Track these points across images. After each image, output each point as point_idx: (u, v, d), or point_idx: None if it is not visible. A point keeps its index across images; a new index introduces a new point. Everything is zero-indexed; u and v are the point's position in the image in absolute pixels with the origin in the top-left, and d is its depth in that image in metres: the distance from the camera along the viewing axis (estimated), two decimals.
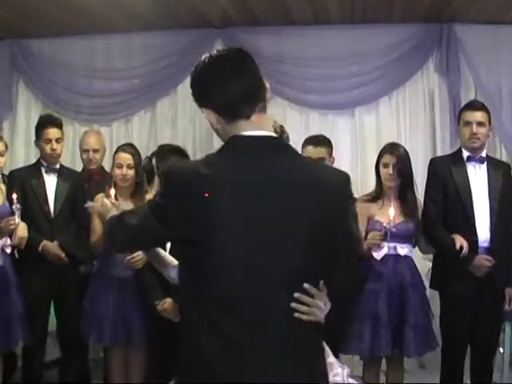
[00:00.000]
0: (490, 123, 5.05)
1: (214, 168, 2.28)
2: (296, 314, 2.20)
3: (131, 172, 5.16)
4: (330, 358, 2.82)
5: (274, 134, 2.40)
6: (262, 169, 2.29)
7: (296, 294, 2.21)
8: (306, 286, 2.23)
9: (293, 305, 2.20)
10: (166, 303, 4.70)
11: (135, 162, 5.20)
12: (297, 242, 2.24)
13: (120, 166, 5.16)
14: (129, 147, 5.37)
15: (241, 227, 2.23)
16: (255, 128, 2.35)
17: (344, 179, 2.39)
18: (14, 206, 4.90)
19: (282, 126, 2.83)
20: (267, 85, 2.44)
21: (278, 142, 2.45)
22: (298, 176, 2.31)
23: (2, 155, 5.21)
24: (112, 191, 4.82)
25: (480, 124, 4.94)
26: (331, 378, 2.69)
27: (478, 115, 4.96)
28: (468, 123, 4.96)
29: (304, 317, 2.21)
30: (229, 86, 2.34)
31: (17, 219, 4.90)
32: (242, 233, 2.22)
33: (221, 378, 2.18)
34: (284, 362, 2.21)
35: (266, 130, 2.37)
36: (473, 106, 5.13)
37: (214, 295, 2.23)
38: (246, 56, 2.45)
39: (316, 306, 2.22)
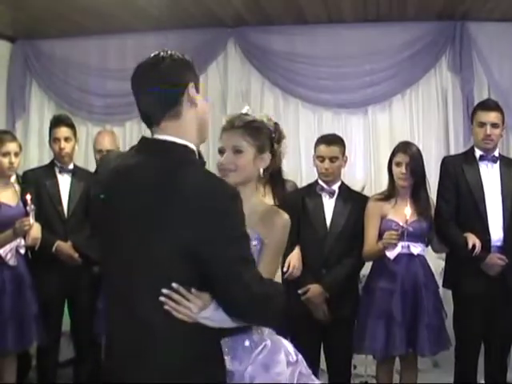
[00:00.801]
0: (503, 123, 5.02)
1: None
2: (165, 307, 2.25)
3: None
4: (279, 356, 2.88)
5: (175, 140, 2.40)
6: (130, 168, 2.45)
7: (165, 290, 2.25)
8: (174, 285, 2.25)
9: (161, 298, 2.25)
10: None
11: None
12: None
13: None
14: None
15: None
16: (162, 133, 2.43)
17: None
18: (28, 207, 4.91)
19: (276, 124, 2.92)
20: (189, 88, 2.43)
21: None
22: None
23: (17, 156, 5.23)
24: None
25: (494, 125, 4.92)
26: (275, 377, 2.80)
27: (492, 116, 4.93)
28: (482, 124, 4.93)
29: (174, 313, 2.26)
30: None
31: (31, 220, 4.91)
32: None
33: None
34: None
35: (172, 136, 2.40)
36: (487, 106, 5.09)
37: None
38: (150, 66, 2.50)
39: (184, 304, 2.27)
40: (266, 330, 2.90)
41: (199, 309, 2.26)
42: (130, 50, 7.51)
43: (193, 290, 2.26)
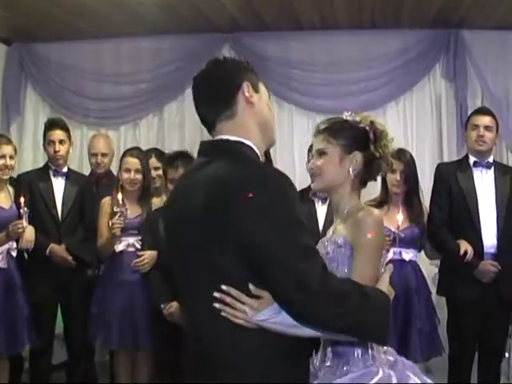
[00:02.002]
0: (497, 131, 5.05)
1: None
2: (222, 313, 2.15)
3: (139, 176, 5.19)
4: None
5: (229, 137, 2.37)
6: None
7: (216, 294, 2.15)
8: (223, 287, 2.14)
9: (216, 304, 2.15)
10: (173, 307, 4.70)
11: (142, 166, 5.23)
12: None
13: (128, 171, 5.18)
14: (136, 151, 5.40)
15: None
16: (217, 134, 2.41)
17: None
18: (21, 210, 4.93)
19: (372, 123, 2.74)
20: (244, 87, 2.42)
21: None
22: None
23: (12, 159, 5.23)
24: (119, 196, 4.87)
25: (487, 128, 4.95)
26: None
27: (486, 119, 4.98)
28: (475, 126, 4.97)
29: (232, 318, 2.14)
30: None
31: (24, 223, 4.93)
32: None
33: None
34: None
35: (227, 135, 2.38)
36: (481, 110, 5.18)
37: None
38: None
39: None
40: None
41: (254, 310, 2.11)
42: (125, 55, 7.54)
43: (250, 285, 2.13)
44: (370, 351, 2.58)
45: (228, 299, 2.11)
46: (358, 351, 2.58)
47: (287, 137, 7.18)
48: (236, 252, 2.11)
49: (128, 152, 5.38)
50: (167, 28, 7.09)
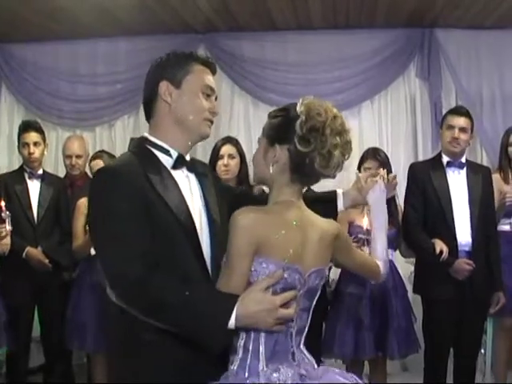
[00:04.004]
0: (472, 131, 5.08)
1: None
2: None
3: None
4: None
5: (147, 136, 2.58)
6: None
7: None
8: None
9: None
10: None
11: None
12: None
13: None
14: (105, 156, 5.43)
15: None
16: None
17: None
18: (3, 214, 4.88)
19: (309, 110, 2.54)
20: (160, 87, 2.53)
21: None
22: None
23: None
24: None
25: (462, 129, 4.97)
26: None
27: (462, 120, 4.99)
28: (451, 127, 4.98)
29: None
30: None
31: (8, 227, 4.88)
32: None
33: None
34: None
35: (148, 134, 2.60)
36: (457, 111, 5.15)
37: None
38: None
39: None
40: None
41: None
42: (100, 56, 7.53)
43: None
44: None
45: None
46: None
47: None
48: None
49: (96, 155, 5.42)
50: (142, 29, 7.08)
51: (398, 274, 5.10)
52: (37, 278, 5.31)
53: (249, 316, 2.20)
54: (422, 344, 5.05)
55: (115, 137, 7.58)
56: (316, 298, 2.50)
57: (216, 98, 2.63)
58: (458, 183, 5.00)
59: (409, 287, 5.22)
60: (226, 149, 5.01)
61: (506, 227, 5.37)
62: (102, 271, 2.36)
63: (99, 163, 5.36)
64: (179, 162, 2.53)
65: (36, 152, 5.49)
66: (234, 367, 2.33)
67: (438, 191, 4.94)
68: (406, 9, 6.49)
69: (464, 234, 4.88)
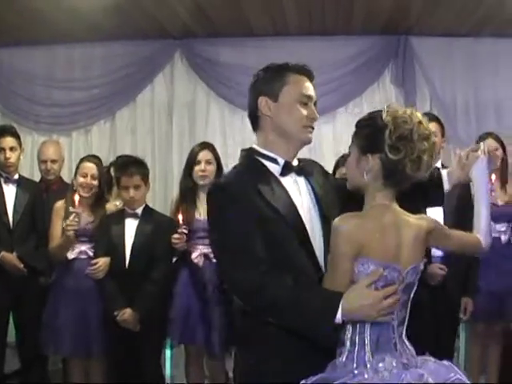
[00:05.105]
0: (443, 135, 5.13)
1: None
2: None
3: (95, 182, 5.16)
4: None
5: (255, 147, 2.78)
6: None
7: None
8: None
9: None
10: (126, 313, 4.73)
11: (99, 172, 5.22)
12: None
13: (85, 176, 5.15)
14: (93, 157, 5.40)
15: None
16: None
17: None
18: None
19: (395, 119, 2.58)
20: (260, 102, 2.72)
21: None
22: None
23: None
24: (76, 197, 4.81)
25: None
26: None
27: (430, 126, 5.04)
28: None
29: None
30: None
31: None
32: None
33: None
34: None
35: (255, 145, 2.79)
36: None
37: None
38: None
39: None
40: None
41: None
42: (77, 60, 7.55)
43: None
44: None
45: None
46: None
47: (239, 142, 7.19)
48: None
49: (85, 158, 5.37)
50: (119, 34, 7.10)
51: None
52: (12, 283, 5.28)
53: (354, 310, 2.38)
54: None
55: (91, 142, 7.58)
56: (413, 292, 2.68)
57: (315, 104, 2.75)
58: None
59: None
60: (204, 154, 5.05)
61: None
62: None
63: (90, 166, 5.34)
64: (287, 169, 2.69)
65: (12, 157, 5.47)
66: (342, 359, 2.49)
67: None
68: (381, 16, 6.55)
69: None
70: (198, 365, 5.12)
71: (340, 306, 2.36)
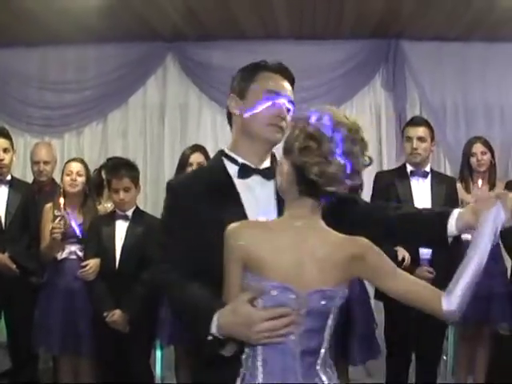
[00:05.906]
0: (432, 139, 5.18)
1: None
2: None
3: (80, 179, 5.19)
4: None
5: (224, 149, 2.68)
6: None
7: None
8: None
9: None
10: (115, 315, 4.75)
11: (85, 171, 5.25)
12: None
13: (70, 173, 5.19)
14: (79, 159, 5.45)
15: None
16: None
17: None
18: None
19: (315, 124, 2.40)
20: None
21: None
22: None
23: None
24: (61, 200, 4.86)
25: (420, 139, 5.07)
26: None
27: (420, 130, 5.10)
28: (409, 138, 5.11)
29: None
30: None
31: None
32: None
33: None
34: None
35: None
36: (414, 121, 5.29)
37: None
38: None
39: None
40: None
41: None
42: (70, 62, 7.56)
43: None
44: None
45: None
46: None
47: None
48: None
49: (70, 159, 5.42)
50: (111, 36, 7.12)
51: (361, 281, 5.15)
52: (4, 283, 5.31)
53: (227, 327, 2.17)
54: (384, 350, 5.13)
55: (83, 143, 7.60)
56: (330, 320, 2.27)
57: (293, 102, 2.65)
58: (421, 192, 5.08)
59: (371, 293, 5.28)
60: (195, 157, 5.08)
61: (469, 236, 5.41)
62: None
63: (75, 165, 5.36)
64: (244, 171, 2.53)
65: (5, 158, 5.49)
66: (237, 382, 2.26)
67: (401, 200, 5.00)
68: (371, 20, 6.59)
69: None
70: (187, 366, 5.14)
71: (215, 319, 2.18)
